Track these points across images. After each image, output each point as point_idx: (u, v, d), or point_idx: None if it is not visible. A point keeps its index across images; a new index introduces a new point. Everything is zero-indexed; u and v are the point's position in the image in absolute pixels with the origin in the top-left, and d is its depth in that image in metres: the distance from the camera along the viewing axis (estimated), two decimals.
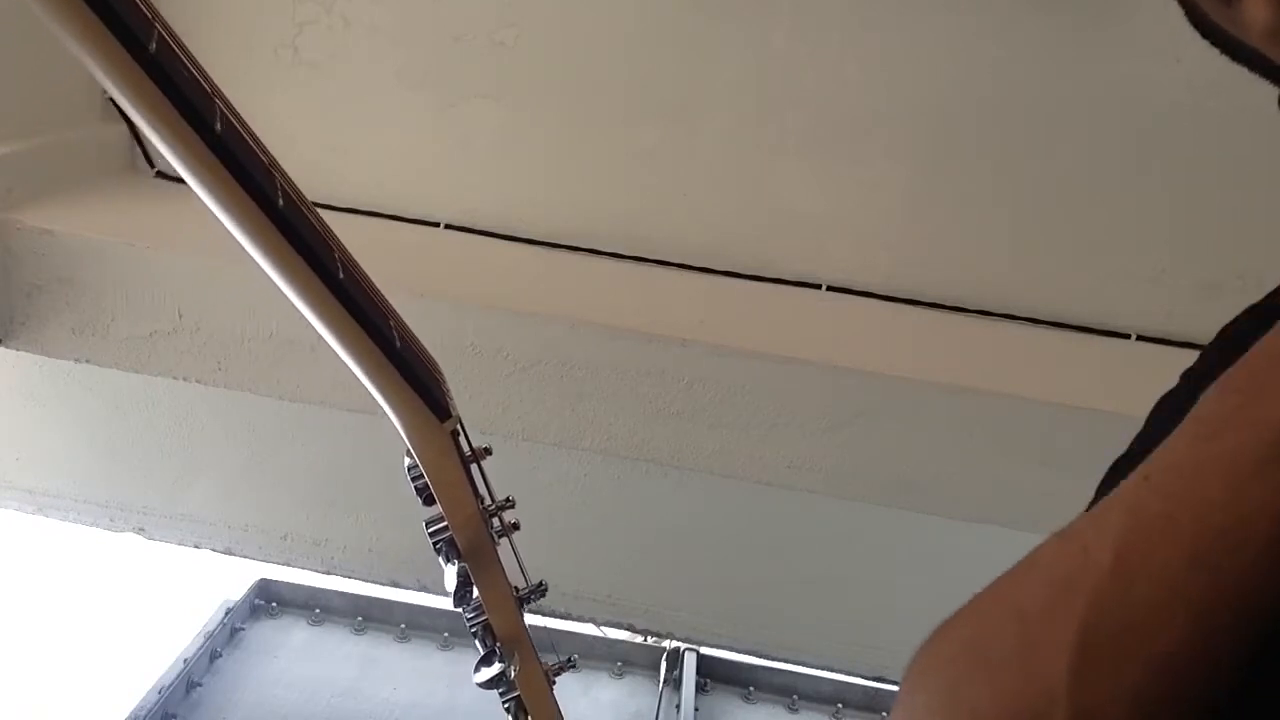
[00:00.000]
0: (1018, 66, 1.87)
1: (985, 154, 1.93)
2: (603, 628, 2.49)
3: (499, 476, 0.84)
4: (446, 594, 0.80)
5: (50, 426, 2.40)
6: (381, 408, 0.72)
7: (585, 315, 1.74)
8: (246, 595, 2.45)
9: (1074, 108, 1.88)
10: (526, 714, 0.92)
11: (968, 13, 1.85)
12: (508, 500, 0.85)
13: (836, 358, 1.72)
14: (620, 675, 2.39)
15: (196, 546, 2.53)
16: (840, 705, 2.36)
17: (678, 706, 2.25)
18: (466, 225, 2.07)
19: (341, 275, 0.64)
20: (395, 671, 2.32)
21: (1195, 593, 0.35)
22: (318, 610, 2.46)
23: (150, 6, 0.51)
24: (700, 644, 2.44)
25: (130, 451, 2.41)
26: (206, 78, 0.56)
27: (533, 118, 2.01)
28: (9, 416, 2.39)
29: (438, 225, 2.07)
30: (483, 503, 0.82)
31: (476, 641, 0.86)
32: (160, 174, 2.10)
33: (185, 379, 1.83)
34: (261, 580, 2.51)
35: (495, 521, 0.84)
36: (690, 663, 2.37)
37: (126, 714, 2.03)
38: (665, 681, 2.34)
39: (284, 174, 0.61)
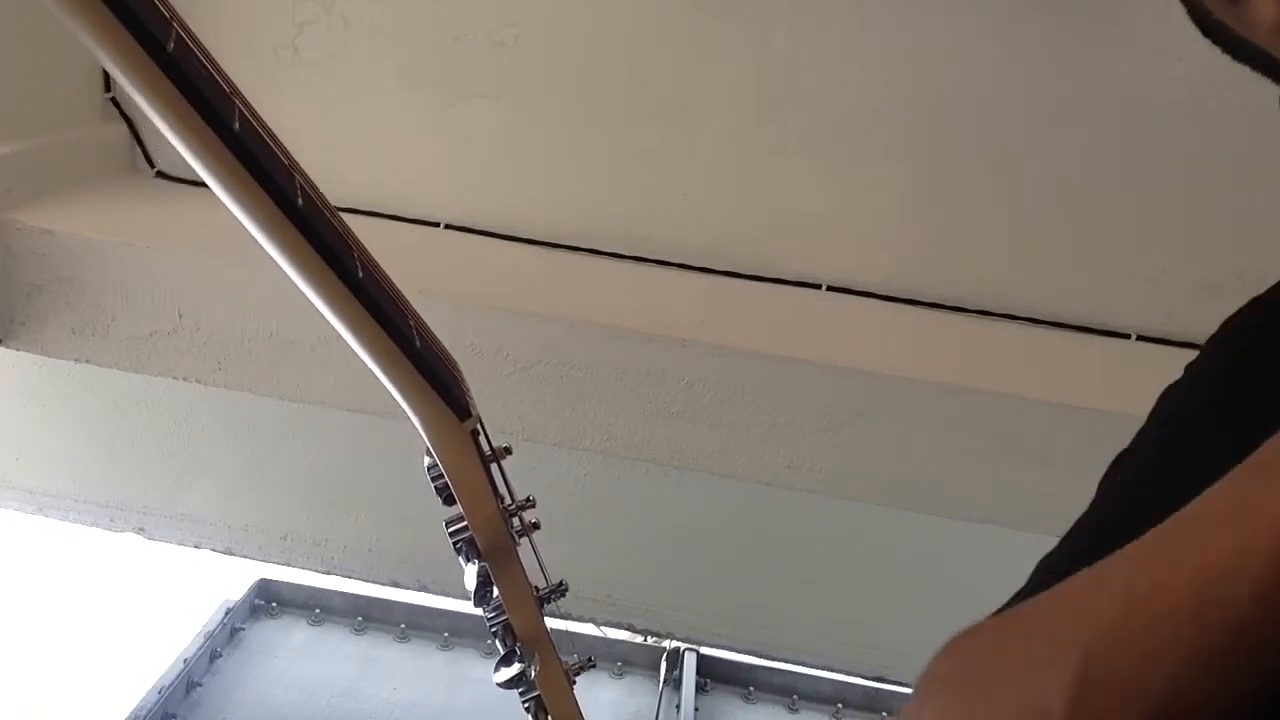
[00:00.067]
0: (1018, 66, 1.87)
1: (985, 154, 1.93)
2: (603, 628, 2.49)
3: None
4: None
5: (50, 426, 2.40)
6: (401, 407, 0.72)
7: (585, 315, 1.74)
8: (246, 595, 2.45)
9: (1074, 108, 1.87)
10: (546, 714, 0.92)
11: (968, 13, 1.85)
12: (528, 500, 0.84)
13: (836, 358, 1.72)
14: (620, 675, 2.39)
15: (196, 546, 2.53)
16: (840, 705, 2.37)
17: (678, 706, 2.25)
18: (466, 225, 2.07)
19: (361, 275, 0.64)
20: (395, 671, 2.32)
21: (1195, 630, 0.34)
22: (318, 610, 2.46)
23: (168, 6, 0.51)
24: (700, 644, 2.44)
25: (130, 451, 2.41)
26: (225, 77, 0.55)
27: (533, 118, 2.01)
28: (9, 416, 2.39)
29: (438, 225, 2.07)
30: (503, 502, 0.81)
31: (497, 641, 0.86)
32: (160, 174, 2.10)
33: (185, 379, 1.83)
34: (261, 580, 2.51)
35: (515, 521, 0.83)
36: (690, 663, 2.37)
37: (126, 714, 2.03)
38: (665, 681, 2.35)
39: (303, 173, 0.61)
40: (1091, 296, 1.96)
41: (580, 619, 2.43)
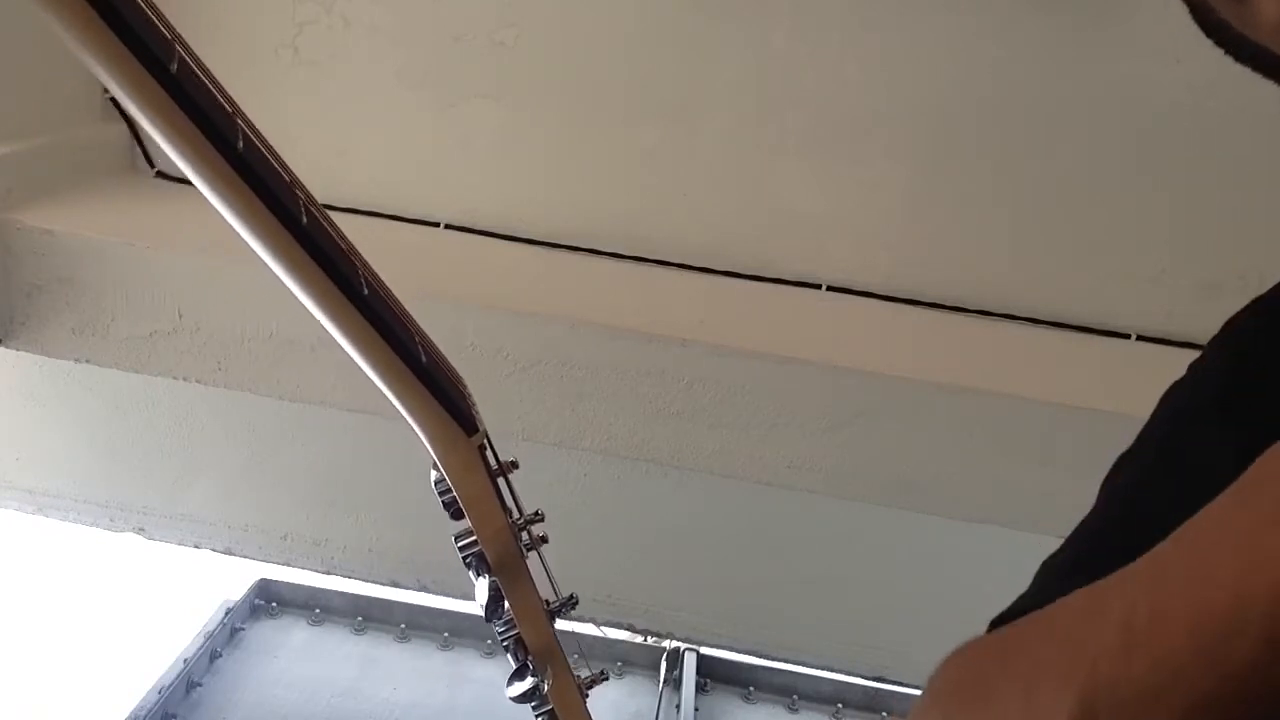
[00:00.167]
0: (1018, 66, 1.87)
1: (985, 154, 1.93)
2: (603, 628, 2.49)
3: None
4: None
5: (50, 426, 2.40)
6: (408, 423, 0.72)
7: (585, 315, 1.74)
8: (246, 595, 2.45)
9: (1074, 108, 1.88)
10: None
11: (968, 13, 1.85)
12: (537, 513, 0.84)
13: (836, 358, 1.72)
14: (620, 675, 2.39)
15: (196, 546, 2.53)
16: (840, 705, 2.36)
17: (678, 706, 2.25)
18: (466, 225, 2.07)
19: (367, 292, 0.64)
20: (395, 671, 2.32)
21: (1194, 677, 0.33)
22: (318, 610, 2.46)
23: (170, 27, 0.51)
24: (700, 644, 2.44)
25: (130, 451, 2.41)
26: (227, 96, 0.55)
27: (533, 118, 2.01)
28: (9, 416, 2.39)
29: (438, 225, 2.07)
30: (511, 516, 0.81)
31: (509, 655, 0.85)
32: (160, 174, 2.10)
33: (185, 379, 1.83)
34: (261, 580, 2.50)
35: (524, 535, 0.83)
36: (690, 663, 2.37)
37: (126, 714, 2.03)
38: (665, 681, 2.35)
39: (306, 191, 0.61)
40: (1091, 296, 1.96)
41: (580, 619, 2.43)
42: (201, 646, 2.23)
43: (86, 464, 2.45)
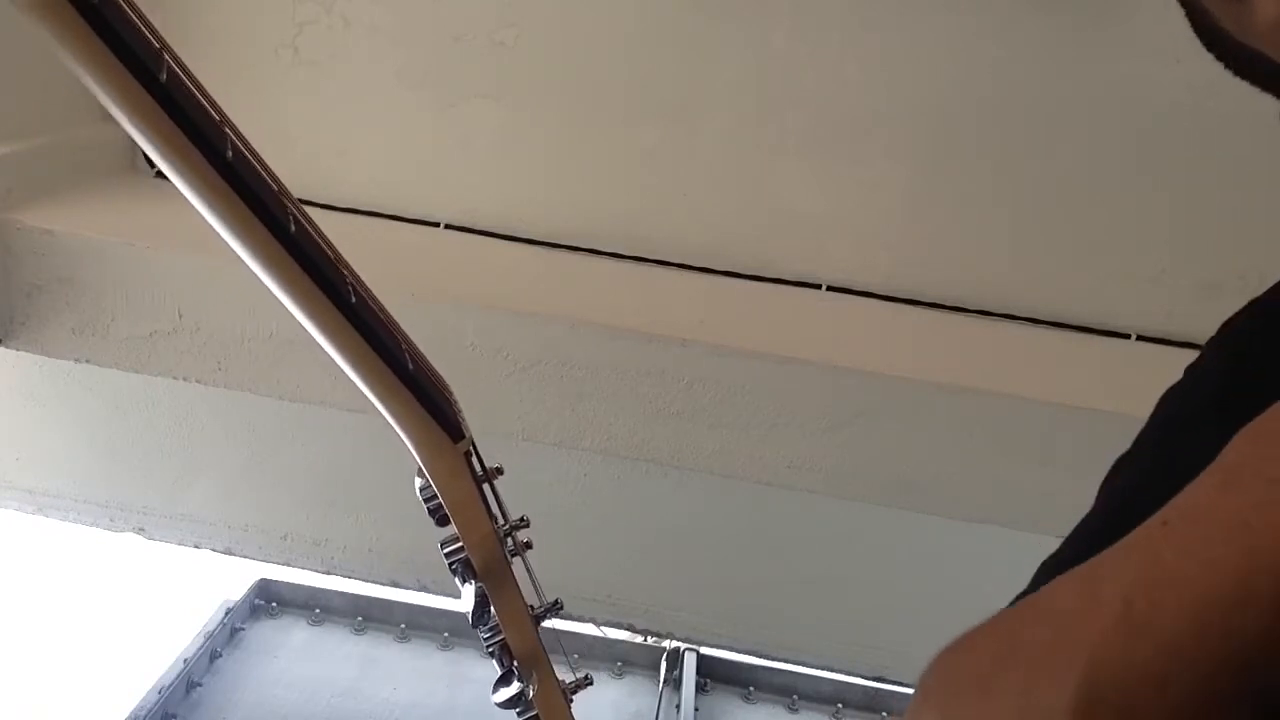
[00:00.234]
0: (1018, 66, 1.87)
1: (985, 154, 1.93)
2: (603, 628, 2.49)
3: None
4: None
5: (50, 426, 2.40)
6: (394, 430, 0.72)
7: (585, 315, 1.74)
8: (246, 595, 2.45)
9: (1074, 108, 1.88)
10: None
11: (968, 13, 1.85)
12: (522, 519, 0.84)
13: (836, 358, 1.72)
14: (620, 675, 2.39)
15: (196, 546, 2.53)
16: (840, 705, 2.36)
17: (678, 706, 2.25)
18: (466, 225, 2.07)
19: (354, 299, 0.64)
20: (395, 671, 2.32)
21: (1198, 659, 0.34)
22: (318, 610, 2.46)
23: (159, 36, 0.51)
24: (700, 644, 2.44)
25: (130, 451, 2.41)
26: (216, 106, 0.56)
27: (533, 118, 2.01)
28: (9, 416, 2.39)
29: (438, 225, 2.07)
30: (497, 522, 0.81)
31: (494, 661, 0.86)
32: (160, 174, 2.09)
33: (185, 379, 1.83)
34: (261, 580, 2.50)
35: (509, 541, 0.83)
36: (690, 663, 2.37)
37: (126, 714, 2.02)
38: (665, 681, 2.34)
39: (294, 200, 0.61)
40: (1091, 296, 1.96)
41: (580, 619, 2.43)
42: (201, 646, 2.23)
43: (86, 464, 2.45)
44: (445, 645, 2.40)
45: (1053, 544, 0.59)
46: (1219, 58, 0.53)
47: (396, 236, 2.03)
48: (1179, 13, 0.54)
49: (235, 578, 2.53)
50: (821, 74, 1.92)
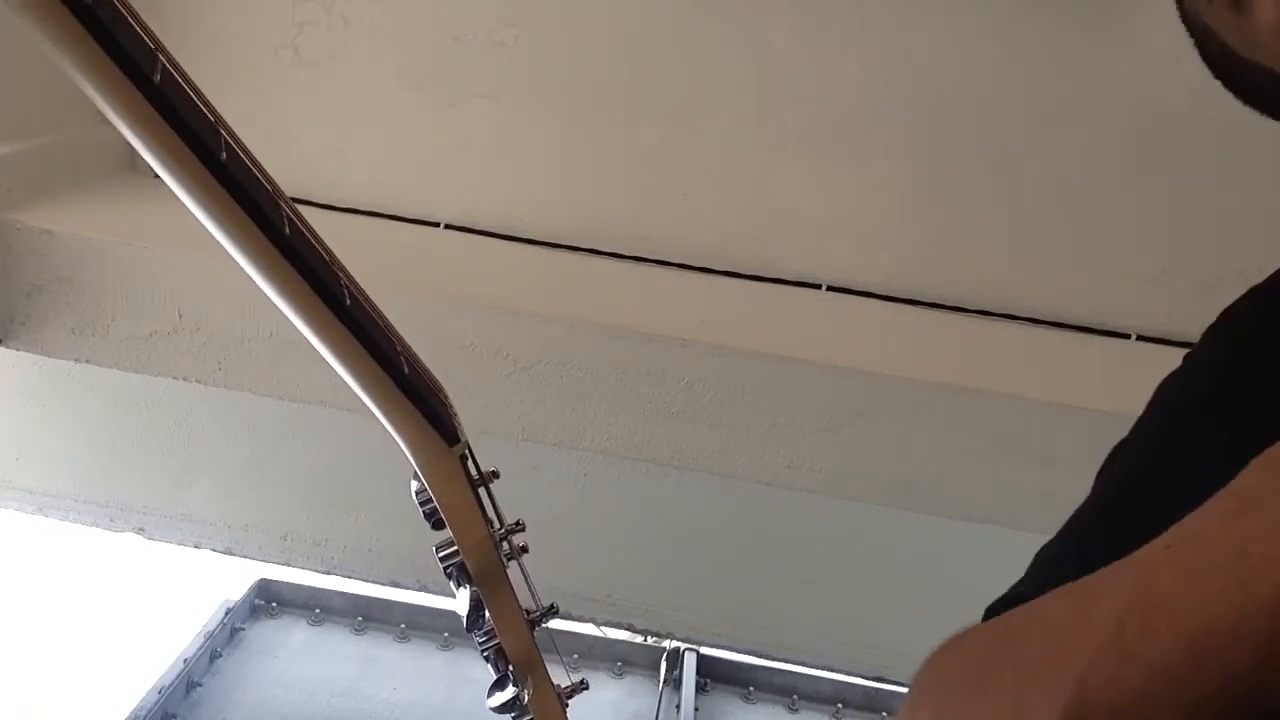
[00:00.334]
0: (1018, 66, 1.87)
1: (985, 154, 1.93)
2: (603, 628, 2.49)
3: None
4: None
5: (50, 426, 2.40)
6: (389, 433, 0.72)
7: (585, 315, 1.74)
8: (246, 595, 2.45)
9: (1074, 108, 1.88)
10: None
11: (968, 13, 1.85)
12: (517, 524, 0.84)
13: (836, 358, 1.72)
14: (620, 675, 2.39)
15: (196, 546, 2.53)
16: (840, 705, 2.36)
17: (678, 706, 2.25)
18: (466, 225, 2.07)
19: (349, 302, 0.64)
20: (395, 671, 2.32)
21: (1187, 688, 0.33)
22: (318, 610, 2.46)
23: (153, 37, 0.50)
24: (700, 644, 2.44)
25: (130, 451, 2.41)
26: (210, 108, 0.55)
27: (533, 118, 2.01)
28: (9, 416, 2.39)
29: (438, 225, 2.07)
30: (492, 526, 0.81)
31: (489, 666, 0.86)
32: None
33: (185, 379, 1.83)
34: (261, 580, 2.51)
35: (505, 545, 0.83)
36: (690, 663, 2.37)
37: (126, 714, 2.03)
38: (665, 681, 2.35)
39: (289, 202, 0.61)
40: (1091, 296, 1.96)
41: (580, 619, 2.43)
42: (201, 646, 2.23)
43: (86, 464, 2.45)
44: (445, 645, 2.40)
45: None
46: (1226, 84, 0.53)
47: (396, 237, 2.02)
48: (1177, 11, 0.54)
49: (235, 578, 2.53)
50: (821, 74, 1.92)
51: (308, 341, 0.65)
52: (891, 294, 2.01)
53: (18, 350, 1.82)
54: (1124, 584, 0.38)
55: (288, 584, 2.51)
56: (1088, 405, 1.64)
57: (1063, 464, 1.65)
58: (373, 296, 0.69)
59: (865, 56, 1.91)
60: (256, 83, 2.02)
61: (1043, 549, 0.58)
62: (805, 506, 2.11)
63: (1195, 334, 0.63)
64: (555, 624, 0.90)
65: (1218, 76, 0.54)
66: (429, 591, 2.45)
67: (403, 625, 2.44)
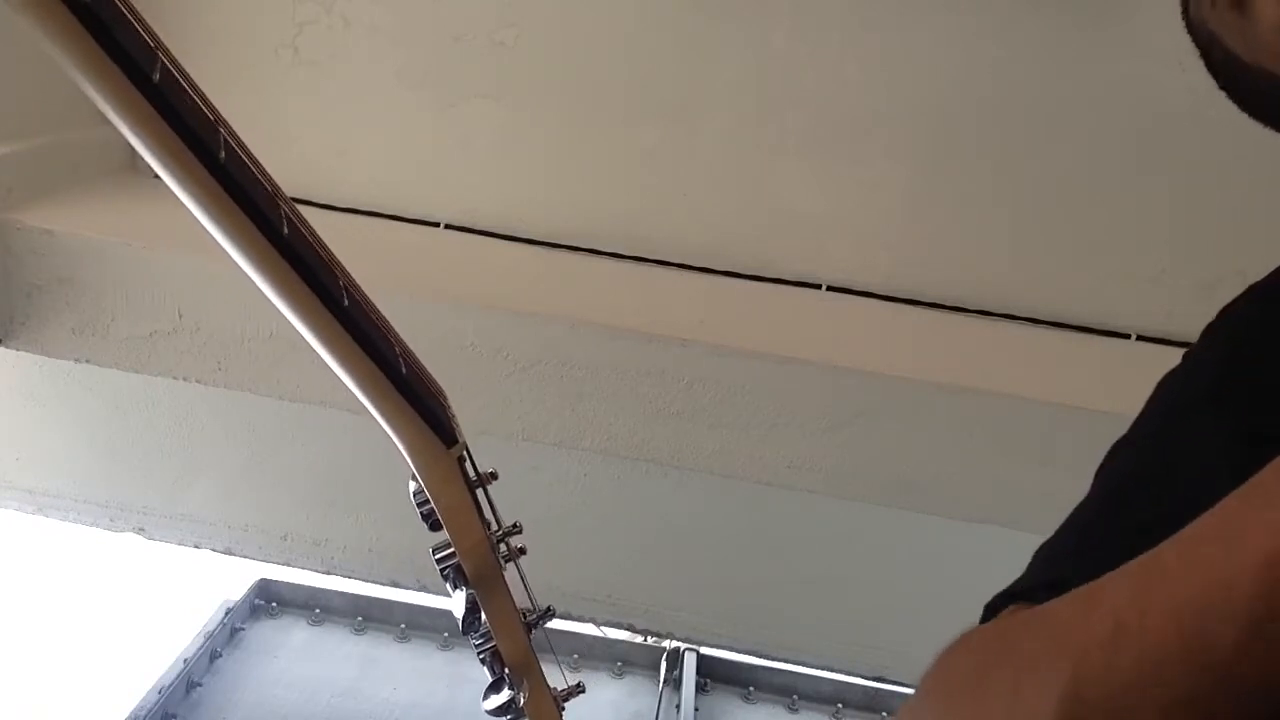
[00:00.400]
0: (1018, 66, 1.87)
1: (985, 154, 1.93)
2: (603, 628, 2.49)
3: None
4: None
5: (50, 426, 2.40)
6: (387, 434, 0.72)
7: (585, 315, 1.74)
8: (246, 595, 2.45)
9: (1074, 108, 1.87)
10: None
11: (968, 13, 1.85)
12: (515, 525, 0.84)
13: (836, 358, 1.72)
14: (620, 675, 2.39)
15: (196, 546, 2.53)
16: (840, 705, 2.36)
17: (678, 706, 2.25)
18: (466, 225, 2.07)
19: (347, 303, 0.64)
20: (395, 671, 2.32)
21: (1178, 667, 0.33)
22: (318, 610, 2.46)
23: (153, 35, 0.50)
24: (700, 644, 2.44)
25: (130, 451, 2.41)
26: (211, 107, 0.55)
27: (533, 118, 2.01)
28: (9, 416, 2.39)
29: (438, 225, 2.07)
30: (489, 528, 0.81)
31: (485, 669, 0.85)
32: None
33: (185, 379, 1.83)
34: (261, 580, 2.51)
35: (502, 547, 0.83)
36: (690, 663, 2.37)
37: (126, 714, 2.03)
38: (665, 681, 2.34)
39: (288, 202, 0.61)
40: (1091, 296, 1.96)
41: (580, 619, 2.43)
42: (201, 646, 2.23)
43: (86, 464, 2.45)
44: (445, 645, 2.40)
45: None
46: (1230, 93, 0.53)
47: (396, 237, 2.02)
48: (1179, 13, 0.54)
49: (235, 578, 2.53)
50: (821, 74, 1.92)
51: (307, 342, 0.65)
52: (891, 294, 2.01)
53: (18, 350, 1.82)
54: (1129, 575, 0.38)
55: (288, 584, 2.51)
56: (1088, 405, 1.64)
57: (1063, 464, 1.65)
58: (372, 296, 0.69)
59: (865, 56, 1.91)
60: (256, 83, 2.02)
61: (1043, 546, 0.58)
62: (805, 506, 2.11)
63: (1195, 334, 0.63)
64: (555, 624, 0.89)
65: (1222, 86, 0.54)
66: (429, 591, 2.45)
67: (403, 625, 2.43)
